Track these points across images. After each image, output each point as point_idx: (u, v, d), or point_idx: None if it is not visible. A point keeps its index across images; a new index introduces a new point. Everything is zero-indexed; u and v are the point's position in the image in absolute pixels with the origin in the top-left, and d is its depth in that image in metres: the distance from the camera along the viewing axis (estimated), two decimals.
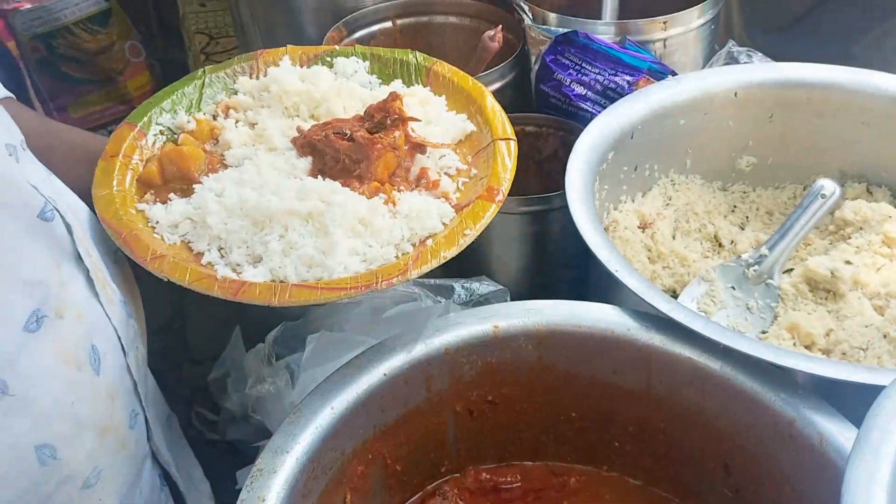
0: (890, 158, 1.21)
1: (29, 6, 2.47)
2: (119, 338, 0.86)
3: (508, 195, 0.95)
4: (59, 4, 2.49)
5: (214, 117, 1.07)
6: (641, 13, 1.32)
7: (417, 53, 1.14)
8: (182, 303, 1.41)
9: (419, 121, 1.00)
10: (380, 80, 1.13)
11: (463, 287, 1.02)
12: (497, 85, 1.27)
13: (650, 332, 0.89)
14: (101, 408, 0.80)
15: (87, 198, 0.93)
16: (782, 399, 0.82)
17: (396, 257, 0.89)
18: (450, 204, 0.94)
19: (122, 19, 2.58)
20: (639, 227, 1.19)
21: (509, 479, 0.98)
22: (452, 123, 1.05)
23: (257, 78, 1.11)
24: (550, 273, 1.19)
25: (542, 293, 0.97)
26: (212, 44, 1.88)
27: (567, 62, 1.24)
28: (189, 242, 0.91)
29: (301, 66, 1.13)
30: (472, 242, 0.90)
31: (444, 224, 0.92)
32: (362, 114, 1.03)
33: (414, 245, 0.90)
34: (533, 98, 1.31)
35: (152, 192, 0.95)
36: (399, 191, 0.95)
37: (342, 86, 1.08)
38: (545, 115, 1.28)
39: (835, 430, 0.78)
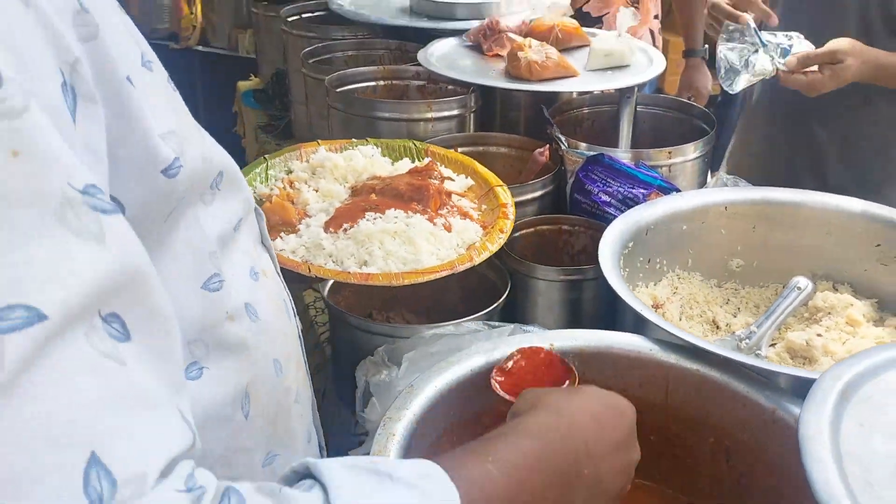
0: (847, 261, 1.53)
1: None
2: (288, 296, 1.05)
3: (550, 265, 1.37)
4: None
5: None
6: (649, 145, 1.69)
7: (415, 141, 1.62)
8: None
9: (453, 180, 1.50)
10: (391, 160, 1.58)
11: (522, 329, 1.31)
12: (540, 192, 1.62)
13: (668, 353, 1.17)
14: (296, 345, 1.01)
15: None
16: (766, 396, 1.09)
17: (457, 255, 1.35)
18: (479, 225, 1.43)
19: None
20: (652, 307, 1.49)
21: None
22: (457, 180, 1.56)
23: (306, 161, 1.55)
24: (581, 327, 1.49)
25: None
26: None
27: (595, 177, 1.60)
28: (308, 262, 1.28)
29: (334, 153, 1.57)
30: (522, 302, 1.39)
31: (480, 237, 1.40)
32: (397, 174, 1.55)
33: (465, 249, 1.37)
34: (567, 204, 1.66)
35: None
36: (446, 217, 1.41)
37: (374, 161, 1.55)
38: (577, 216, 1.62)
39: None
